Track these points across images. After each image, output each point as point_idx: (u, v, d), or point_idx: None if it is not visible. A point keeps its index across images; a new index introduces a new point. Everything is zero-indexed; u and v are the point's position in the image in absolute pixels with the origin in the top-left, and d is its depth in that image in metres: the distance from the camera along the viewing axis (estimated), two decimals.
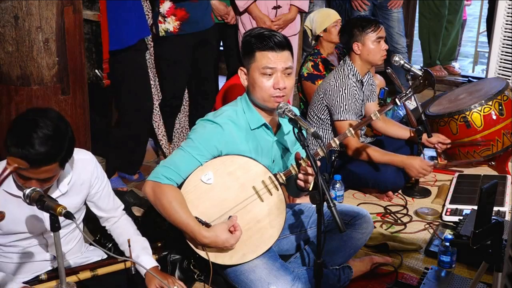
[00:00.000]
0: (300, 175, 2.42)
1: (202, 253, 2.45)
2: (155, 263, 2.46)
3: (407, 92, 3.13)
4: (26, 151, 2.03)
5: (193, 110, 4.20)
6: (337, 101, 3.46)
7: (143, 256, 2.42)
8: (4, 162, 2.28)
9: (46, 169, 2.10)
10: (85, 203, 2.48)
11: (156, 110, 3.98)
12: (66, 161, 2.18)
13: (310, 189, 2.49)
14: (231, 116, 2.46)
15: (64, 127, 2.14)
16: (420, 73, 3.47)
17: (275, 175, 2.47)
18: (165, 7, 3.68)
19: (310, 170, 2.39)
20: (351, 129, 2.89)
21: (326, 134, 3.66)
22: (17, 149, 2.04)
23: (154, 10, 3.75)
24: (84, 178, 2.39)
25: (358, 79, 3.56)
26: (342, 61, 3.64)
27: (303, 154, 2.43)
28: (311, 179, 2.42)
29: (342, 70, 3.56)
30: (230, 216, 2.43)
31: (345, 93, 3.47)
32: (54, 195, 2.24)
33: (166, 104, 3.99)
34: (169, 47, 3.77)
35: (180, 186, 2.43)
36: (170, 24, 3.69)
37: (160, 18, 3.70)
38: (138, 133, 3.76)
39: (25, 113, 2.17)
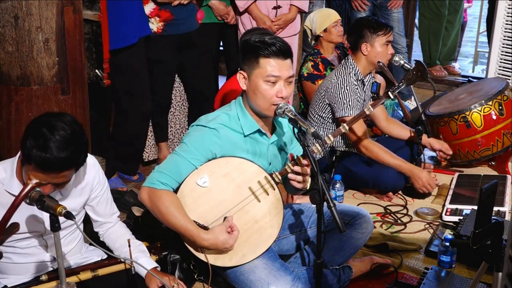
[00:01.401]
0: (291, 175, 2.42)
1: (201, 256, 2.45)
2: (155, 264, 2.46)
3: (399, 84, 3.13)
4: (48, 155, 2.04)
5: (192, 111, 4.20)
6: (340, 98, 3.46)
7: (141, 258, 2.42)
8: (5, 162, 2.29)
9: (65, 174, 2.12)
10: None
11: None
12: (82, 165, 2.20)
13: (308, 187, 2.50)
14: (224, 121, 2.46)
15: (80, 131, 2.16)
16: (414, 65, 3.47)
17: (270, 174, 2.47)
18: (148, 8, 3.66)
19: (299, 169, 2.39)
20: (345, 124, 2.90)
21: (328, 132, 3.65)
22: (39, 153, 2.04)
23: None
24: (86, 182, 2.39)
25: (359, 78, 3.56)
26: (344, 59, 3.64)
27: (300, 152, 2.43)
28: (307, 178, 2.42)
29: (343, 68, 3.56)
30: (225, 218, 2.43)
31: (347, 89, 3.47)
32: (55, 198, 2.24)
33: (155, 104, 3.99)
34: (153, 47, 3.76)
35: (176, 191, 2.43)
36: (153, 25, 3.68)
37: None
38: (136, 134, 3.76)
39: (41, 117, 2.17)
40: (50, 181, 2.11)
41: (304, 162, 2.38)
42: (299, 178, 2.41)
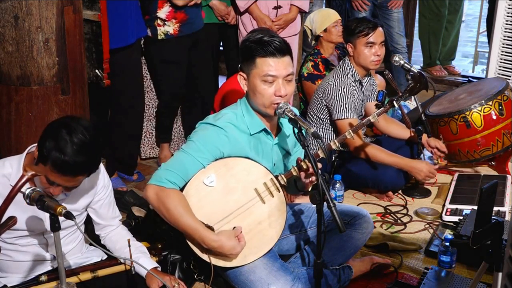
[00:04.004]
0: (302, 174, 2.41)
1: (204, 256, 2.44)
2: (155, 264, 2.46)
3: (403, 94, 3.16)
4: (67, 158, 2.05)
5: (188, 109, 4.20)
6: (337, 100, 3.46)
7: (142, 258, 2.42)
8: (11, 158, 2.29)
9: (79, 178, 2.14)
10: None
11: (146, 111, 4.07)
12: (95, 171, 2.22)
13: (310, 189, 2.50)
14: (231, 119, 2.45)
15: (97, 137, 2.17)
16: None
17: (276, 177, 2.47)
18: (164, 11, 3.67)
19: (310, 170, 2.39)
20: (350, 130, 2.90)
21: (326, 134, 3.66)
22: (58, 155, 2.05)
23: (150, 13, 3.72)
24: (91, 185, 2.39)
25: (357, 79, 3.56)
26: (341, 61, 3.64)
27: (303, 154, 2.43)
28: (313, 178, 2.41)
29: (341, 69, 3.56)
30: (234, 227, 2.42)
31: (344, 92, 3.46)
32: (58, 198, 2.24)
33: (165, 105, 4.00)
34: (170, 49, 3.77)
35: (181, 189, 2.42)
36: (170, 27, 3.69)
37: (158, 21, 3.69)
38: (131, 133, 3.78)
39: (60, 119, 2.18)
40: (62, 183, 2.12)
41: (309, 165, 2.38)
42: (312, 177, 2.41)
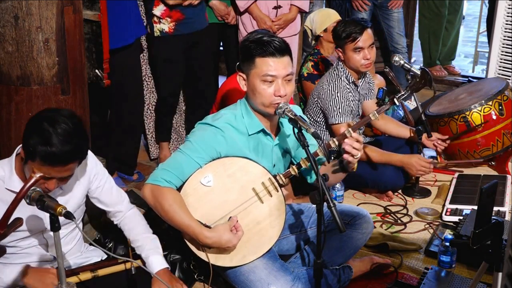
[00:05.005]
0: (348, 148, 2.36)
1: (202, 255, 2.45)
2: (165, 265, 2.45)
3: (405, 92, 3.14)
4: (54, 149, 2.05)
5: (189, 109, 4.21)
6: (331, 105, 3.45)
7: (152, 256, 2.42)
8: (1, 161, 2.29)
9: (70, 167, 2.14)
10: (86, 201, 2.48)
11: (148, 110, 4.06)
12: (85, 157, 2.23)
13: (355, 169, 2.47)
14: (230, 120, 2.45)
15: (80, 123, 2.18)
16: (419, 73, 3.47)
17: (274, 176, 2.47)
18: (159, 9, 3.68)
19: (356, 144, 2.36)
20: (350, 129, 2.89)
21: (323, 136, 3.65)
22: (44, 148, 2.05)
23: (148, 10, 3.74)
24: (83, 175, 2.40)
25: (351, 81, 3.54)
26: (335, 63, 3.61)
27: (303, 154, 2.42)
28: (355, 152, 2.37)
29: (334, 73, 3.52)
30: (230, 217, 2.43)
31: (338, 96, 3.44)
32: (54, 192, 2.24)
33: (162, 103, 4.01)
34: (165, 47, 3.78)
35: (179, 189, 2.42)
36: (165, 25, 3.70)
37: (155, 19, 3.71)
38: (131, 133, 3.78)
39: (40, 113, 2.19)
40: (55, 175, 2.12)
41: (356, 135, 2.32)
42: (356, 145, 2.37)
